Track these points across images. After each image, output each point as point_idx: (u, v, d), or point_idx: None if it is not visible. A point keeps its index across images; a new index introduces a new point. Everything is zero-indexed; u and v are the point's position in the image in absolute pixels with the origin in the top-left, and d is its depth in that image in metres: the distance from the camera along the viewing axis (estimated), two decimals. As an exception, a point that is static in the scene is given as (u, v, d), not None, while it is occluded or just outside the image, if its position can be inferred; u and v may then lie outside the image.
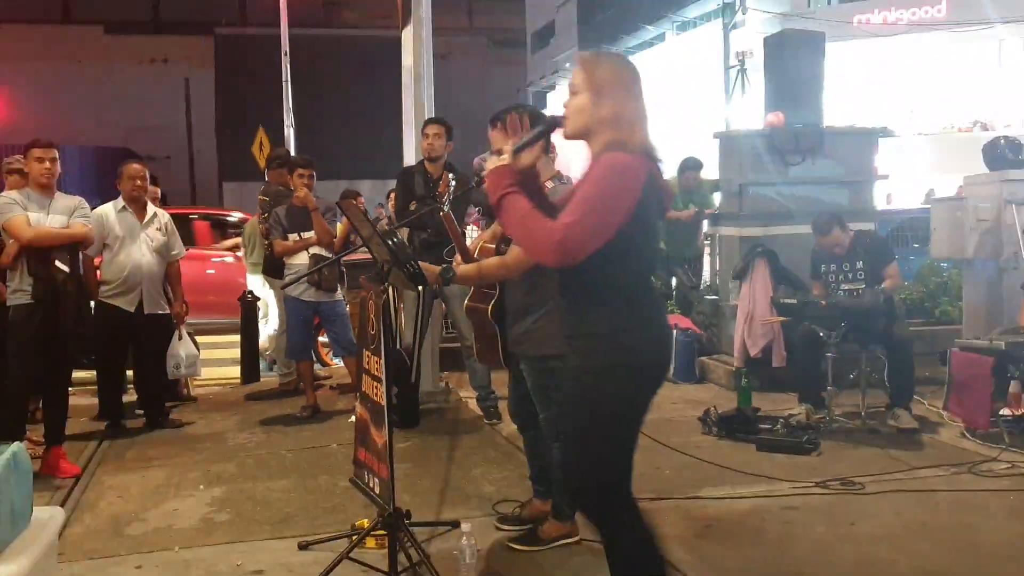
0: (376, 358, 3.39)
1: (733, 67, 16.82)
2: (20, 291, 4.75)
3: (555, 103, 29.33)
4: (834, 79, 8.23)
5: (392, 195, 7.73)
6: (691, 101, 18.18)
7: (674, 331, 6.55)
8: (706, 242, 9.16)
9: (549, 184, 3.47)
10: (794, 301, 5.68)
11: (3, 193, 4.96)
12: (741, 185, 6.85)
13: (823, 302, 5.48)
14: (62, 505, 4.18)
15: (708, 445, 5.15)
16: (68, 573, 3.46)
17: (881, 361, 5.63)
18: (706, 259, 9.40)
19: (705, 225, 8.43)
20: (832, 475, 4.49)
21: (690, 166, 8.14)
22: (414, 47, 6.66)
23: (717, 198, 7.91)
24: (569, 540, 3.66)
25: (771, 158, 6.77)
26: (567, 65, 29.97)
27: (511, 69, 35.93)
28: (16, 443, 2.74)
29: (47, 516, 2.77)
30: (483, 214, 6.98)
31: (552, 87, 31.33)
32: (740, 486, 4.38)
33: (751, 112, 9.82)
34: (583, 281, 2.46)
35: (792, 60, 6.97)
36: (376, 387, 3.42)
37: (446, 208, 3.60)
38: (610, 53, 2.55)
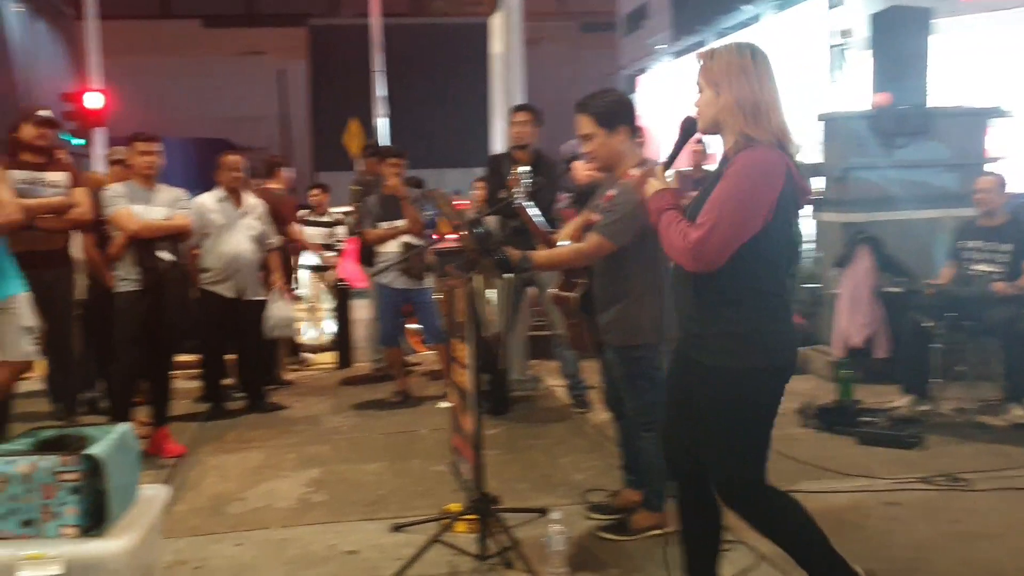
0: (463, 346, 3.41)
1: (836, 46, 16.21)
2: (127, 279, 4.96)
3: (646, 87, 28.92)
4: (943, 57, 7.82)
5: (479, 183, 7.75)
6: (791, 82, 17.64)
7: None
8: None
9: (633, 171, 3.41)
10: (899, 290, 5.44)
11: (110, 187, 5.18)
12: (844, 169, 6.60)
13: (928, 291, 5.23)
14: (166, 483, 4.35)
15: (807, 438, 5.00)
16: (172, 548, 3.59)
17: (992, 353, 5.34)
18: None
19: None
20: (936, 471, 4.29)
21: None
22: (503, 34, 6.65)
23: (811, 183, 7.64)
24: (659, 531, 3.60)
25: (876, 141, 6.50)
26: (661, 47, 29.48)
27: (602, 53, 35.46)
28: (124, 424, 2.87)
29: (153, 493, 2.89)
30: (573, 201, 6.92)
31: (643, 70, 30.85)
32: (839, 480, 4.24)
33: (855, 93, 9.45)
34: (720, 281, 2.43)
35: (900, 38, 6.66)
36: (464, 374, 3.44)
37: (516, 201, 3.59)
38: (728, 44, 2.51)
